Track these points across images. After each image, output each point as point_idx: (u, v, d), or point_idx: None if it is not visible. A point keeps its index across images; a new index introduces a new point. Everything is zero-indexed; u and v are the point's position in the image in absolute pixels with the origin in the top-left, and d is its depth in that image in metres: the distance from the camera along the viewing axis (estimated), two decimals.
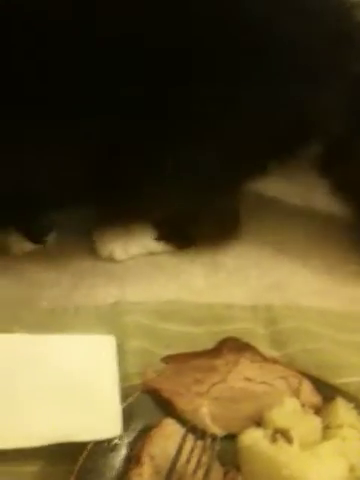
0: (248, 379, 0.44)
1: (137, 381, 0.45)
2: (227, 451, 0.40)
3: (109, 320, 0.53)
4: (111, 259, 0.60)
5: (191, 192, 0.53)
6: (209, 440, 0.40)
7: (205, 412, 0.42)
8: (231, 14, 0.45)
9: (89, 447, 0.39)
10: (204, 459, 0.38)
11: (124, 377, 0.45)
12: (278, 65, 0.46)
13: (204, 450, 0.39)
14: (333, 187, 0.60)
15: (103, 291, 0.57)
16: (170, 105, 0.46)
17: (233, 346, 0.46)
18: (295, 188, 0.69)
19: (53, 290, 0.57)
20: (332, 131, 0.53)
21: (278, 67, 0.46)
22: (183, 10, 0.44)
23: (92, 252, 0.61)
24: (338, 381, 0.47)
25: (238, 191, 0.59)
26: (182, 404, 0.42)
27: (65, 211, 0.58)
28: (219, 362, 0.45)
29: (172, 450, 0.38)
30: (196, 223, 0.61)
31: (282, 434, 0.39)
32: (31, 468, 0.41)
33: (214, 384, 0.43)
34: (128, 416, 0.41)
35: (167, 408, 0.42)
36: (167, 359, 0.45)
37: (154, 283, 0.59)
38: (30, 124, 0.45)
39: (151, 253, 0.61)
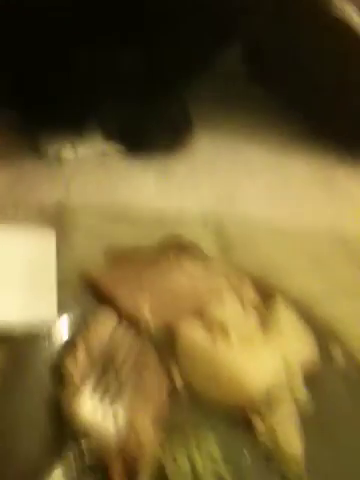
0: (189, 275, 0.44)
1: (75, 275, 0.44)
2: (164, 342, 0.40)
3: (51, 217, 0.51)
4: (58, 159, 0.58)
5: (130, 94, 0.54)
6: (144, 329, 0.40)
7: (145, 306, 0.42)
8: None
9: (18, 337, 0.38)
10: (137, 347, 0.38)
11: (63, 270, 0.44)
12: None
13: (138, 338, 0.39)
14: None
15: (47, 191, 0.55)
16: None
17: (177, 244, 0.45)
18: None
19: None
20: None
21: None
22: None
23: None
24: (281, 284, 0.47)
25: (184, 96, 0.58)
26: (122, 300, 0.41)
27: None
28: (162, 257, 0.44)
29: (106, 336, 0.38)
30: (146, 127, 0.59)
31: (220, 326, 0.39)
32: None
33: (156, 279, 0.43)
34: (64, 304, 0.40)
35: (107, 303, 0.42)
36: (109, 254, 0.44)
37: (103, 186, 0.57)
38: None
39: (101, 154, 0.59)
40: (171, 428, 0.35)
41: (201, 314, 0.41)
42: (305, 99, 0.65)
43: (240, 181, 0.61)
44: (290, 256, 0.51)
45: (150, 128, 0.60)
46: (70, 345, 0.38)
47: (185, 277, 0.43)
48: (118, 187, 0.57)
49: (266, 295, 0.44)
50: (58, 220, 0.50)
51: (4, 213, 0.51)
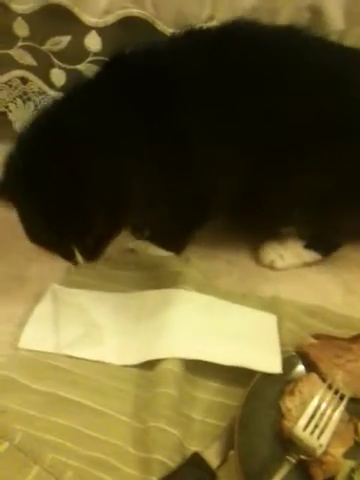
0: None
1: (290, 348, 0.63)
2: (354, 408, 0.57)
3: (268, 307, 0.72)
4: (272, 267, 0.80)
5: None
6: (340, 396, 0.57)
7: (339, 379, 0.59)
8: None
9: (258, 376, 0.58)
10: (335, 406, 0.55)
11: (281, 344, 0.64)
12: None
13: (336, 401, 0.56)
14: None
15: (262, 287, 0.77)
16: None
17: None
18: None
19: (228, 279, 0.78)
20: None
21: None
22: None
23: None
24: None
25: None
26: (323, 368, 0.60)
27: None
28: (355, 346, 0.62)
29: (315, 393, 0.56)
30: (339, 232, 0.77)
31: None
32: (214, 384, 0.61)
33: (349, 361, 0.60)
34: (285, 364, 0.60)
35: (312, 368, 0.60)
36: (316, 336, 0.63)
37: (300, 291, 0.77)
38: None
39: (304, 262, 0.79)
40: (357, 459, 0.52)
41: None
42: None
43: None
44: None
45: (340, 232, 0.77)
46: (290, 391, 0.57)
47: None
48: (313, 292, 0.77)
49: None
50: (273, 308, 0.71)
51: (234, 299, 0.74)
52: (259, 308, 0.71)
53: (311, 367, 0.60)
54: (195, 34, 0.65)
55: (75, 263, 0.64)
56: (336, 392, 0.57)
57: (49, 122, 0.61)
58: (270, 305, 0.72)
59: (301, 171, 0.66)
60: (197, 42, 0.63)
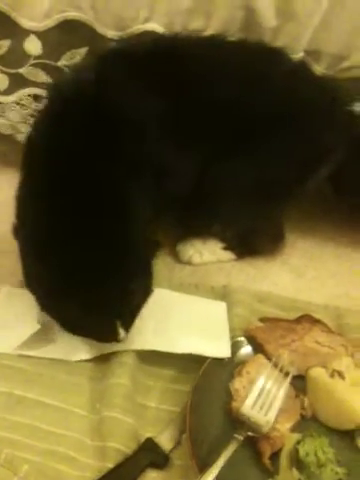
0: (317, 342, 0.64)
1: (240, 333, 0.66)
2: (300, 384, 0.60)
3: (220, 296, 0.74)
4: (189, 262, 0.81)
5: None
6: (285, 373, 0.60)
7: (285, 357, 0.62)
8: None
9: (208, 361, 0.60)
10: (281, 384, 0.58)
11: (231, 329, 0.67)
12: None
13: (282, 379, 0.59)
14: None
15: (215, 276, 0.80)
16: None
17: (309, 319, 0.66)
18: None
19: (180, 273, 0.81)
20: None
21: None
22: None
23: None
24: None
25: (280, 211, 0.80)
26: (270, 349, 0.63)
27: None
28: (298, 327, 0.65)
29: (262, 372, 0.59)
30: (255, 235, 0.81)
31: (338, 373, 0.58)
32: (168, 372, 0.64)
33: (293, 340, 0.64)
34: (234, 348, 0.63)
35: (259, 350, 0.63)
36: (263, 319, 0.66)
37: (251, 279, 0.81)
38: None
39: (219, 260, 0.82)
40: (303, 432, 0.55)
41: (325, 366, 0.60)
42: None
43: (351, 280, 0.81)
44: None
45: (257, 236, 0.81)
46: (238, 372, 0.59)
47: (313, 343, 0.63)
48: (263, 279, 0.80)
49: None
50: (225, 297, 0.74)
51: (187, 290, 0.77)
52: (211, 297, 0.74)
53: (259, 349, 0.63)
54: (119, 53, 0.67)
55: (118, 340, 0.59)
56: (281, 370, 0.60)
57: None
58: (222, 294, 0.75)
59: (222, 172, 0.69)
60: (122, 62, 0.65)
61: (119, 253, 0.57)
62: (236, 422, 0.56)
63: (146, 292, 0.61)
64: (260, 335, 0.64)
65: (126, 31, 0.73)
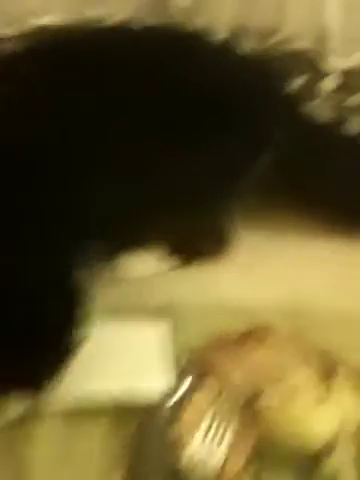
0: (272, 355, 0.58)
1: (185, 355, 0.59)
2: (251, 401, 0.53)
3: (163, 313, 0.67)
4: (128, 276, 0.72)
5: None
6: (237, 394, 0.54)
7: (238, 377, 0.56)
8: None
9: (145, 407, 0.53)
10: (228, 420, 0.52)
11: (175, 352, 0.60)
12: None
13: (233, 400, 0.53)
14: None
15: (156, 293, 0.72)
16: None
17: (262, 329, 0.60)
18: None
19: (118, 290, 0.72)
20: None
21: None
22: None
23: None
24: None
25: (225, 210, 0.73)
26: (220, 371, 0.56)
27: None
28: (250, 341, 0.59)
29: (210, 399, 0.53)
30: (199, 239, 0.74)
31: (296, 389, 0.52)
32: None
33: (245, 357, 0.57)
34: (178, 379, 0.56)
35: (208, 373, 0.57)
36: (210, 337, 0.60)
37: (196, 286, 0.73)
38: None
39: (160, 270, 0.74)
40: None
41: (279, 381, 0.55)
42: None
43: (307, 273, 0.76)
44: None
45: (198, 240, 0.74)
46: (182, 406, 0.53)
47: (268, 355, 0.57)
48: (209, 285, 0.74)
49: (330, 369, 0.56)
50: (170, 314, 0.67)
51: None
52: (153, 317, 0.67)
53: (208, 373, 0.57)
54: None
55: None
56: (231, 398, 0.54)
57: None
58: (165, 311, 0.68)
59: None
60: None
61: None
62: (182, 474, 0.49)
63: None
64: (208, 357, 0.57)
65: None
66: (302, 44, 0.76)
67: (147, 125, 0.61)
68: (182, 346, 0.61)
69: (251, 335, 0.60)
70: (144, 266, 0.74)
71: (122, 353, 0.58)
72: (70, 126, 0.57)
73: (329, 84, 0.79)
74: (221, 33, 0.74)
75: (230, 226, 0.77)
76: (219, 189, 0.69)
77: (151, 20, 0.73)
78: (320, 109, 0.80)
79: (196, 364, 0.58)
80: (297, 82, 0.78)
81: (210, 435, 0.50)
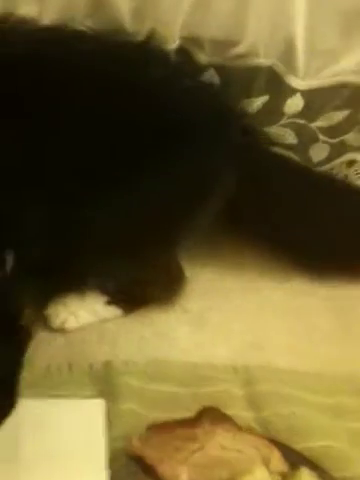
0: (223, 447, 0.49)
1: (123, 444, 0.50)
2: None
3: (101, 380, 0.58)
4: (63, 329, 0.63)
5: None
6: None
7: (183, 477, 0.47)
8: None
9: None
10: None
11: (112, 439, 0.50)
12: None
13: None
14: None
15: (96, 348, 0.63)
16: None
17: (212, 416, 0.51)
18: None
19: (48, 348, 0.62)
20: None
21: None
22: None
23: None
24: (305, 445, 0.52)
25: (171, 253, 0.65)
26: (164, 471, 0.47)
27: None
28: (198, 431, 0.50)
29: None
30: (142, 285, 0.65)
31: None
32: None
33: (193, 452, 0.49)
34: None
35: (150, 473, 0.48)
36: (152, 427, 0.50)
37: (142, 340, 0.64)
38: None
39: (102, 319, 0.64)
40: None
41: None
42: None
43: (265, 326, 0.68)
44: (317, 412, 0.57)
45: (147, 284, 0.65)
46: None
47: (219, 449, 0.49)
48: (156, 342, 0.64)
49: (293, 464, 0.49)
50: (106, 382, 0.57)
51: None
52: (88, 383, 0.57)
53: (149, 472, 0.48)
54: None
55: None
56: None
57: None
58: (103, 376, 0.58)
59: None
60: None
61: None
62: None
63: None
64: (149, 454, 0.48)
65: None
66: (263, 59, 0.65)
67: (79, 156, 0.51)
68: (119, 432, 0.52)
69: (200, 424, 0.51)
70: (82, 314, 0.64)
71: (47, 442, 0.48)
72: None
73: (293, 105, 0.68)
74: (170, 43, 0.62)
75: (179, 269, 0.68)
76: (168, 229, 0.59)
77: (89, 23, 0.60)
78: (282, 134, 0.70)
79: (137, 461, 0.48)
80: (257, 103, 0.68)
81: None
